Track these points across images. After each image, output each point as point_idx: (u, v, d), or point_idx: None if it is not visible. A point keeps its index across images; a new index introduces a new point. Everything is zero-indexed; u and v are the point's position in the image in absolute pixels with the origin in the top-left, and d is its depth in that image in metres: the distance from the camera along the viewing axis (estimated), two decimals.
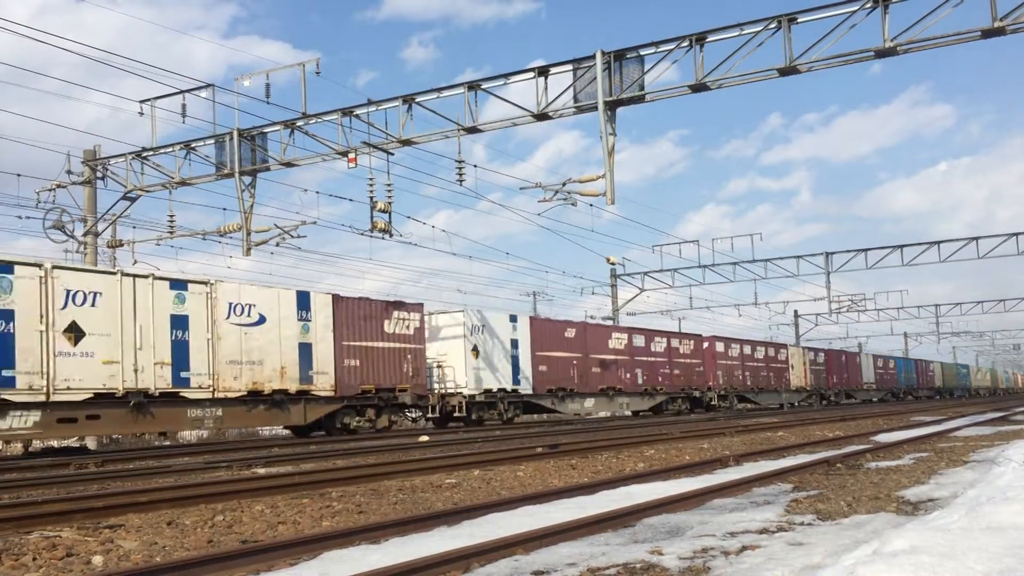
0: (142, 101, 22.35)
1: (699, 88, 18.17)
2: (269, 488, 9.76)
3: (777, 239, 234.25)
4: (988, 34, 16.31)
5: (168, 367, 19.14)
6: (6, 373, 16.42)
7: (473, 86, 19.81)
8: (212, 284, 20.44)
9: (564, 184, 20.62)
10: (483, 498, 9.09)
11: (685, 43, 17.94)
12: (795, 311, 65.65)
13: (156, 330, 19.00)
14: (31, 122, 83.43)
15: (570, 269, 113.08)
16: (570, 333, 33.15)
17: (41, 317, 17.00)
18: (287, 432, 26.03)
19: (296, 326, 22.13)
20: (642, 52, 18.33)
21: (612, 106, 18.41)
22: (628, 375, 35.91)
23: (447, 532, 6.84)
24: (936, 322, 67.91)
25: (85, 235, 24.33)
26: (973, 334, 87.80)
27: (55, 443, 20.67)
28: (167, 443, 22.89)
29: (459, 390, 27.57)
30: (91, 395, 17.68)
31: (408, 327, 25.62)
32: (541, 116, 19.43)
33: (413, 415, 26.55)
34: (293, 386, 21.80)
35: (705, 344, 42.36)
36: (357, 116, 20.81)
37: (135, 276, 18.92)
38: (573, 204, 20.88)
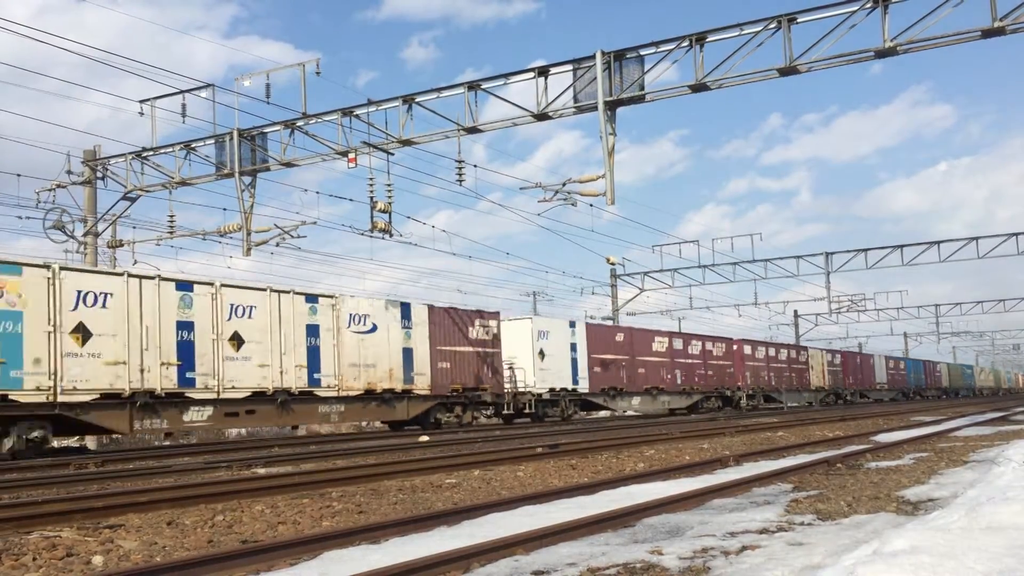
0: (142, 101, 22.35)
1: (699, 88, 18.17)
2: (269, 488, 9.76)
3: (777, 239, 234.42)
4: (988, 34, 16.31)
5: (304, 369, 22.24)
6: (188, 375, 19.67)
7: (473, 86, 19.81)
8: (337, 297, 23.72)
9: (564, 184, 20.63)
10: (483, 498, 9.09)
11: (685, 43, 17.94)
12: (795, 311, 65.73)
13: (296, 338, 22.16)
14: (31, 122, 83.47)
15: (570, 269, 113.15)
16: (619, 337, 36.10)
17: (213, 327, 20.23)
18: (287, 432, 26.65)
19: (400, 333, 25.28)
20: (642, 52, 18.33)
21: (612, 106, 18.41)
22: (669, 375, 38.72)
23: (447, 532, 6.84)
24: (936, 322, 67.96)
25: (85, 235, 24.34)
26: (973, 334, 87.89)
27: (55, 443, 20.68)
28: (167, 443, 22.97)
29: (528, 389, 30.27)
30: (249, 393, 20.88)
31: (487, 333, 28.76)
32: (541, 116, 19.43)
33: (487, 412, 29.13)
34: (399, 386, 24.93)
35: (735, 347, 45.08)
36: (357, 116, 20.81)
37: (280, 292, 22.13)
38: (573, 204, 20.90)
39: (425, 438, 21.07)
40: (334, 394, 22.95)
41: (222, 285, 20.65)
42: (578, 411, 33.41)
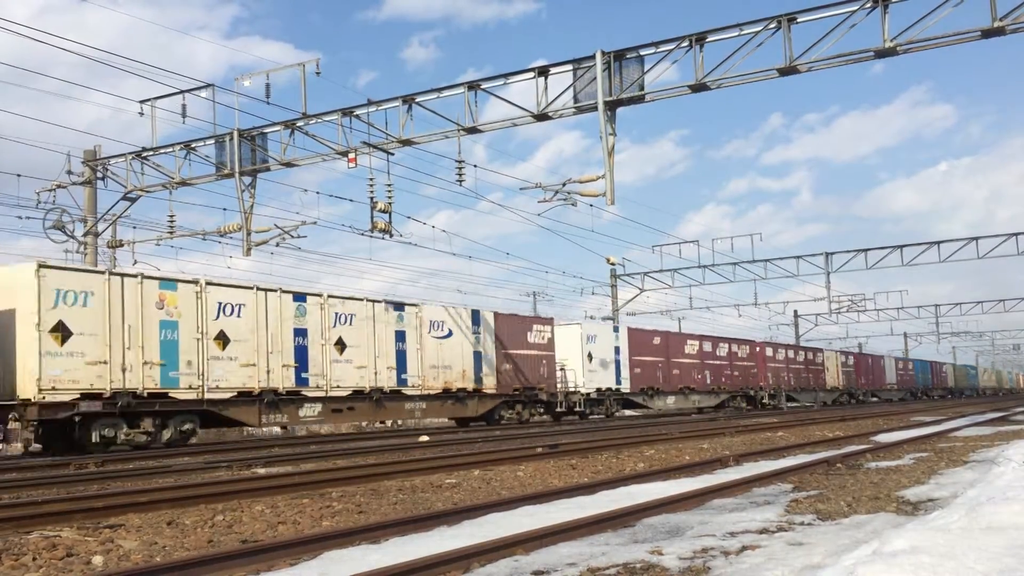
0: (142, 101, 22.33)
1: (699, 88, 18.16)
2: (269, 488, 9.76)
3: (777, 239, 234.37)
4: (988, 34, 16.30)
5: (394, 371, 24.78)
6: (303, 375, 22.03)
7: (473, 86, 19.79)
8: (419, 306, 26.27)
9: (564, 184, 20.61)
10: (483, 498, 9.09)
11: (685, 43, 17.93)
12: (795, 311, 65.73)
13: (387, 343, 24.72)
14: (31, 122, 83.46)
15: (570, 269, 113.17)
16: (656, 340, 38.56)
17: (321, 333, 22.67)
18: (287, 432, 26.70)
19: (471, 337, 27.77)
20: (642, 52, 18.31)
21: (612, 106, 18.40)
22: (699, 376, 41.25)
23: (447, 532, 6.84)
24: (936, 322, 67.91)
25: (85, 235, 24.33)
26: (973, 334, 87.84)
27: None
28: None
29: (578, 389, 32.59)
30: (350, 392, 23.41)
31: (543, 337, 31.31)
32: (541, 116, 19.41)
33: (540, 410, 31.13)
34: (470, 385, 27.42)
35: (758, 349, 47.83)
36: (357, 116, 20.79)
37: (374, 301, 24.69)
38: (573, 204, 20.88)
39: (425, 438, 21.08)
40: (418, 392, 25.60)
41: (329, 296, 23.27)
42: (620, 409, 35.60)
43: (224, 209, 26.12)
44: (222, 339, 20.29)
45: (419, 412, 25.98)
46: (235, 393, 20.47)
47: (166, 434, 19.22)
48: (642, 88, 18.29)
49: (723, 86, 18.15)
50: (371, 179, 21.00)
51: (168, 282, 19.65)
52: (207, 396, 19.85)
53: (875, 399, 61.74)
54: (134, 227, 25.94)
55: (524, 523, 6.87)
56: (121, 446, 18.41)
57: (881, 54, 16.92)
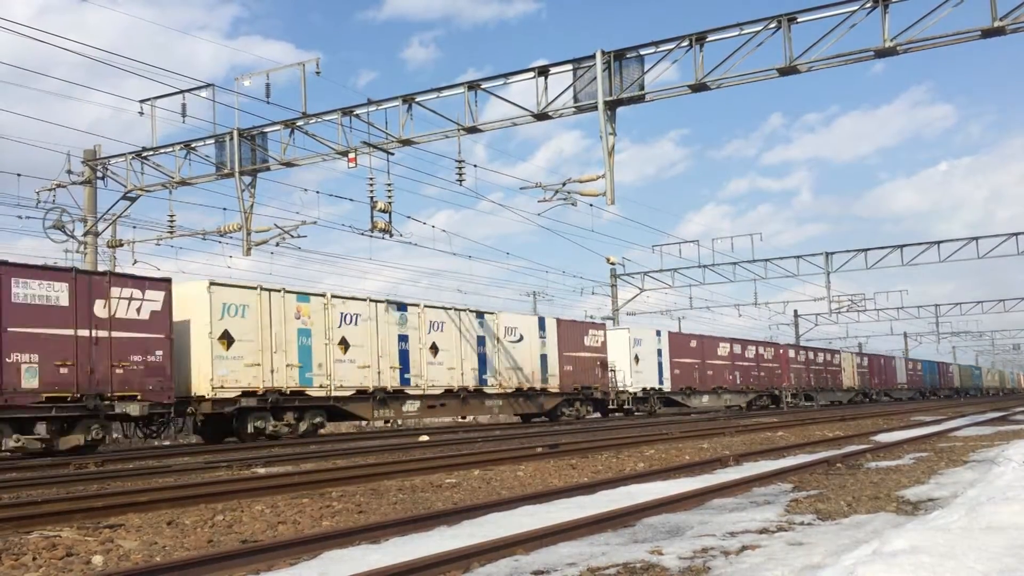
0: (142, 101, 22.31)
1: (699, 88, 18.16)
2: (269, 488, 9.76)
3: (777, 239, 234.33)
4: (988, 34, 16.30)
5: (476, 372, 27.87)
6: (406, 376, 25.31)
7: (473, 86, 19.79)
8: (497, 314, 29.28)
9: (564, 184, 20.61)
10: (483, 498, 9.09)
11: (685, 43, 17.93)
12: (795, 311, 65.72)
13: (471, 347, 27.74)
14: (31, 122, 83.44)
15: (570, 269, 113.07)
16: (693, 344, 41.59)
17: (419, 339, 25.85)
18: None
19: (538, 342, 30.93)
20: (642, 52, 18.31)
21: (612, 106, 18.40)
22: (730, 376, 44.20)
23: (447, 532, 6.84)
24: (936, 322, 67.89)
25: (85, 235, 24.32)
26: (973, 334, 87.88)
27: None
28: (167, 443, 23.05)
29: (626, 388, 35.64)
30: (442, 391, 26.56)
31: (597, 341, 34.27)
32: (541, 116, 19.41)
33: (590, 407, 34.13)
34: (538, 385, 30.59)
35: (781, 351, 51.00)
36: (357, 116, 20.78)
37: (460, 310, 27.86)
38: (573, 204, 20.88)
39: (425, 438, 21.10)
40: (496, 391, 28.67)
41: (426, 307, 26.49)
42: (661, 407, 38.66)
43: (224, 209, 26.19)
44: (344, 344, 23.50)
45: (496, 409, 29.08)
46: (354, 391, 23.66)
47: (302, 426, 22.23)
48: (642, 88, 18.29)
49: (723, 86, 18.15)
50: (371, 179, 21.00)
51: (303, 296, 22.82)
52: (333, 393, 23.09)
53: (887, 398, 64.45)
54: (134, 227, 25.98)
55: (524, 523, 6.87)
56: (268, 436, 21.28)
57: (881, 54, 16.91)
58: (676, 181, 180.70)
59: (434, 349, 26.30)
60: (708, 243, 62.36)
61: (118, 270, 20.39)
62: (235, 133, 21.75)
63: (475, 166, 22.70)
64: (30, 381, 16.93)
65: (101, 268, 22.12)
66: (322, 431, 23.48)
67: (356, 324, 23.85)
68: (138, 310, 18.87)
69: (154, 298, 19.24)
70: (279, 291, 22.04)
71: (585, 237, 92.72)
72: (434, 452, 15.55)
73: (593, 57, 18.41)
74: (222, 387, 20.34)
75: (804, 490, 9.15)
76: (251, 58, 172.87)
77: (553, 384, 31.20)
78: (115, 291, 18.50)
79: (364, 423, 27.27)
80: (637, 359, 36.75)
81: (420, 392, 25.67)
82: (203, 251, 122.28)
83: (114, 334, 18.32)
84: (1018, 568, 4.39)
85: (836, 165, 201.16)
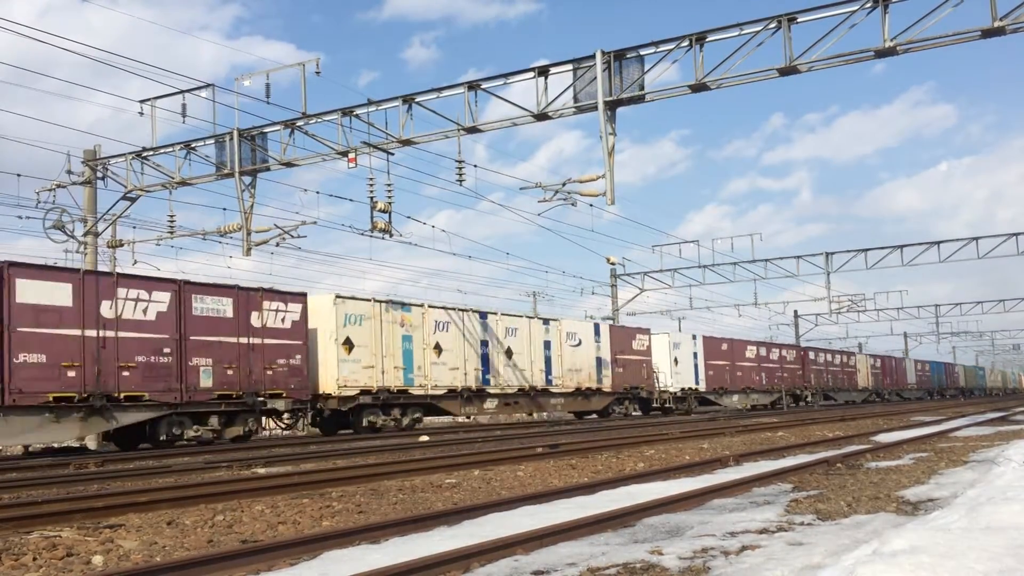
0: (142, 101, 22.28)
1: (699, 88, 18.15)
2: (269, 488, 9.76)
3: (777, 239, 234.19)
4: (988, 34, 16.29)
5: (543, 373, 31.00)
6: (486, 376, 28.32)
7: (473, 86, 19.78)
8: (559, 320, 32.68)
9: (564, 184, 20.59)
10: (483, 498, 9.09)
11: (685, 43, 17.92)
12: (795, 311, 65.69)
13: (539, 351, 30.87)
14: (32, 122, 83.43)
15: (570, 269, 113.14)
16: (724, 347, 44.04)
17: (497, 344, 28.92)
18: (287, 432, 26.73)
19: (593, 345, 33.86)
20: (642, 52, 18.29)
21: (612, 106, 18.38)
22: (757, 377, 46.95)
23: (447, 532, 6.84)
24: (936, 322, 67.85)
25: (85, 235, 24.32)
26: (973, 334, 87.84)
27: (55, 443, 20.75)
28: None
29: (667, 388, 38.35)
30: (516, 390, 29.59)
31: (643, 345, 37.39)
32: (541, 116, 19.40)
33: (635, 406, 36.90)
34: (594, 385, 33.60)
35: (802, 353, 53.97)
36: (357, 116, 20.76)
37: (531, 318, 31.35)
38: (573, 204, 20.86)
39: (425, 438, 21.09)
40: (560, 390, 31.67)
41: (502, 315, 29.53)
42: (697, 406, 41.22)
43: (224, 209, 26.26)
44: (438, 349, 26.54)
45: (559, 406, 32.11)
46: (446, 390, 26.67)
47: (405, 420, 25.13)
48: (642, 88, 18.28)
49: (723, 86, 18.14)
50: (371, 179, 20.99)
51: (406, 306, 25.94)
52: (430, 392, 26.13)
53: (898, 397, 67.32)
54: (134, 227, 25.97)
55: (524, 523, 6.86)
56: (376, 429, 24.01)
57: (881, 54, 16.91)
58: (676, 181, 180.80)
59: (508, 353, 29.26)
60: (708, 243, 62.47)
61: (266, 286, 22.29)
62: (235, 133, 21.74)
63: (475, 166, 22.74)
64: (206, 381, 20.19)
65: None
66: (418, 426, 26.09)
67: (446, 331, 26.89)
68: (283, 320, 22.13)
69: (294, 310, 22.45)
70: (387, 303, 25.31)
71: (585, 237, 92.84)
72: (434, 452, 15.55)
73: (593, 57, 18.40)
74: (345, 386, 23.47)
75: (804, 490, 9.15)
76: (251, 58, 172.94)
77: (606, 384, 34.07)
78: (266, 304, 21.73)
79: (453, 417, 29.86)
80: (676, 361, 39.32)
81: (499, 391, 28.73)
82: (203, 251, 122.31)
83: (266, 341, 21.57)
84: (1018, 568, 4.39)
85: (836, 165, 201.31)
